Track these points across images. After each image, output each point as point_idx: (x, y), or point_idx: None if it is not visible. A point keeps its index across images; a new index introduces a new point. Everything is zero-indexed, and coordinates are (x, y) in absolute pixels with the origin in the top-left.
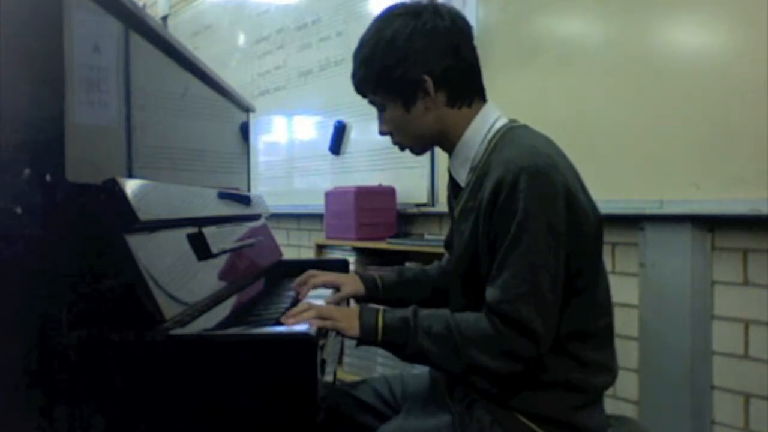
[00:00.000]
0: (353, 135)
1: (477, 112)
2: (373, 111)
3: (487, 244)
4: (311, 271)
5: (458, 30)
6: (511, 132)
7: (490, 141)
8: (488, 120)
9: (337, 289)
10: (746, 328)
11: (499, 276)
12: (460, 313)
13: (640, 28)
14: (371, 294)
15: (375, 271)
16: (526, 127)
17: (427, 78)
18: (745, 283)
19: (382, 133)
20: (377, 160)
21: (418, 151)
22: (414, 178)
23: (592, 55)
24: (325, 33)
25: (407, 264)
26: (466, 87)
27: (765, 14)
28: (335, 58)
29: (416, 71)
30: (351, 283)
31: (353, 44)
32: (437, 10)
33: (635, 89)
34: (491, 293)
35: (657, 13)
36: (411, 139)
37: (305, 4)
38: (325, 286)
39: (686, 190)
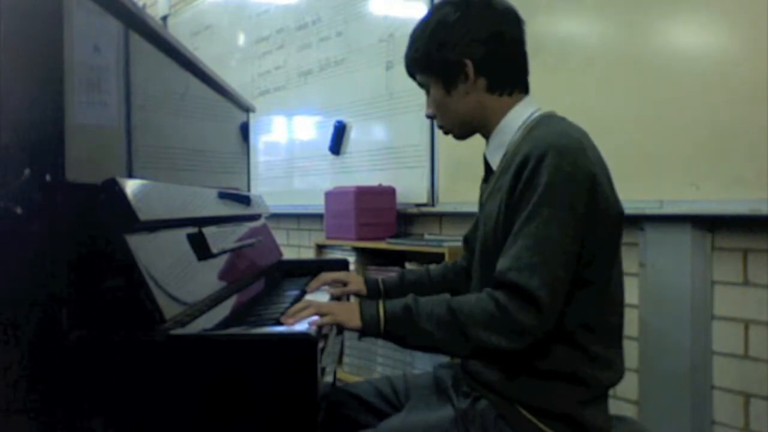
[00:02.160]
0: (353, 135)
1: (517, 101)
2: (373, 111)
3: (507, 218)
4: (324, 273)
5: (505, 22)
6: (547, 118)
7: (527, 127)
8: (528, 109)
9: (343, 284)
10: (746, 328)
11: (512, 246)
12: (459, 296)
13: (640, 28)
14: (372, 295)
15: (376, 275)
16: (563, 118)
17: (468, 62)
18: (745, 283)
19: (428, 115)
20: (377, 160)
21: (459, 134)
22: (414, 178)
23: (592, 55)
24: (325, 33)
25: (407, 264)
26: (508, 76)
27: (765, 14)
28: (335, 58)
29: (458, 54)
30: (356, 282)
31: (353, 44)
32: (486, 2)
33: (635, 89)
34: (502, 262)
35: (657, 14)
36: (451, 121)
37: (305, 4)
38: (334, 282)
39: (686, 190)
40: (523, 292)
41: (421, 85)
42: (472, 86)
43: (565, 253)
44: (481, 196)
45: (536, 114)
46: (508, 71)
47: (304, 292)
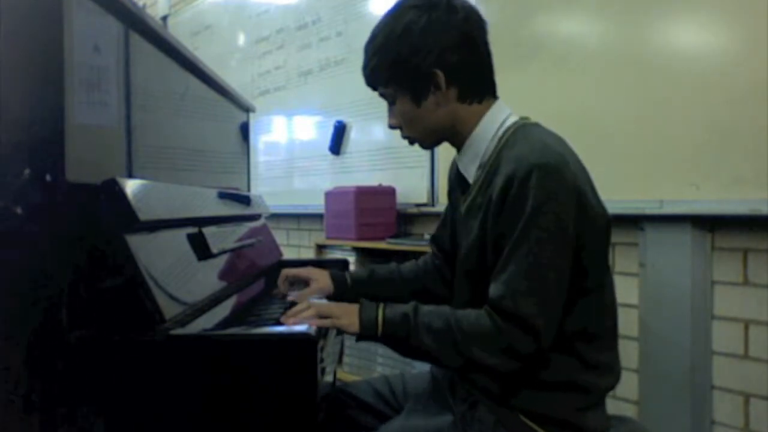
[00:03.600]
0: (353, 135)
1: (488, 108)
2: (372, 111)
3: (494, 240)
4: (285, 269)
5: (472, 24)
6: (523, 129)
7: (501, 137)
8: (499, 117)
9: (306, 284)
10: (746, 328)
11: (503, 271)
12: (461, 310)
13: (640, 28)
14: (340, 291)
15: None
16: (537, 125)
17: (439, 72)
18: (745, 283)
19: (391, 126)
20: (377, 160)
21: (427, 145)
22: (414, 178)
23: (592, 55)
24: (325, 33)
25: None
26: (478, 83)
27: (765, 14)
28: (335, 58)
29: (429, 64)
30: (320, 279)
31: (353, 44)
32: (451, 4)
33: (635, 89)
34: (495, 288)
35: (657, 13)
36: (421, 133)
37: (305, 4)
38: (297, 279)
39: (686, 190)
40: (519, 319)
41: (384, 96)
42: (443, 97)
43: (558, 274)
44: (456, 204)
45: (509, 121)
46: (479, 78)
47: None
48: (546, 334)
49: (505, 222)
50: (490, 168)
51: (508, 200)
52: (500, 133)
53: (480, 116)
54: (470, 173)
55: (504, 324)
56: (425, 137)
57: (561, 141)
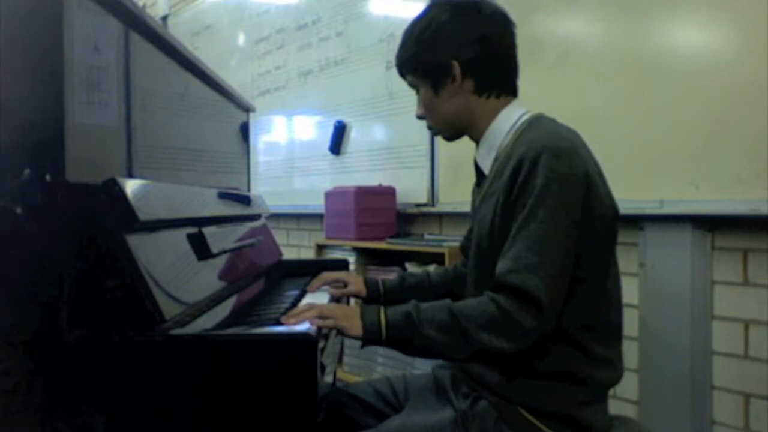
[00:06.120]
0: (353, 135)
1: (506, 104)
2: (372, 111)
3: (503, 221)
4: (325, 272)
5: (494, 25)
6: (537, 120)
7: (517, 130)
8: (516, 112)
9: (344, 285)
10: (746, 328)
11: (511, 248)
12: (460, 301)
13: (640, 28)
14: (372, 296)
15: (376, 274)
16: (553, 119)
17: (455, 63)
18: (745, 283)
19: (418, 116)
20: (377, 160)
21: (447, 136)
22: (414, 178)
23: (592, 55)
24: (325, 33)
25: (407, 264)
26: (495, 78)
27: (765, 14)
28: (335, 58)
29: (444, 56)
30: (356, 283)
31: (353, 44)
32: (477, 4)
33: (635, 89)
34: (502, 264)
35: (657, 13)
36: (439, 122)
37: (305, 4)
38: (336, 281)
39: (686, 190)
40: (523, 294)
41: (411, 85)
42: (459, 88)
43: (563, 253)
44: (473, 200)
45: (525, 116)
46: (496, 74)
47: (304, 292)
48: (549, 310)
49: (515, 202)
50: (504, 157)
51: (518, 181)
52: (516, 126)
53: (497, 111)
54: (486, 165)
55: (507, 303)
56: (444, 127)
57: (574, 132)
